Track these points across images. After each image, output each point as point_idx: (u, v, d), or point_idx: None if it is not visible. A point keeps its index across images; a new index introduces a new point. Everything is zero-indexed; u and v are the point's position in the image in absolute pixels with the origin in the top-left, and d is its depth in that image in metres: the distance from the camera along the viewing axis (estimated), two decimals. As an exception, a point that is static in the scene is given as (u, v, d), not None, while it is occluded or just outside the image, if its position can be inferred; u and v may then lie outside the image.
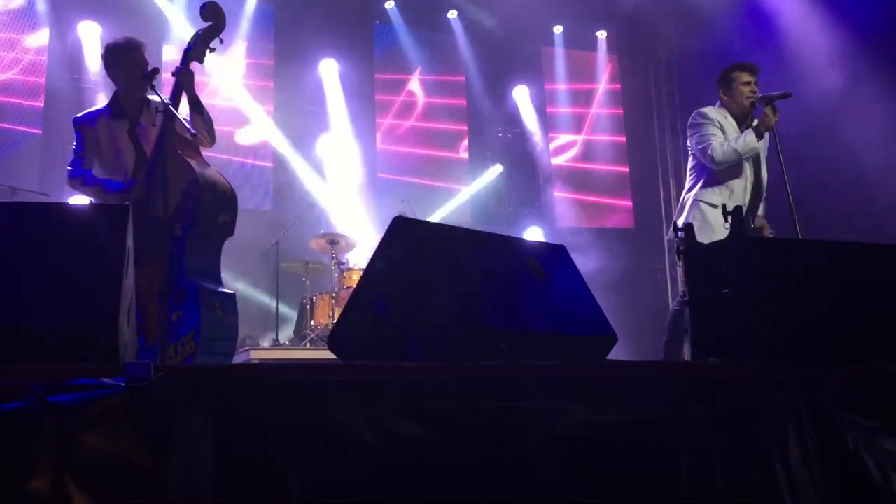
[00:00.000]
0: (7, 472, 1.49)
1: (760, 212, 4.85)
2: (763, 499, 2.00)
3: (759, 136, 4.62)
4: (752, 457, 2.04)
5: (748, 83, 4.79)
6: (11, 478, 1.48)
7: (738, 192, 4.69)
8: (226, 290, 3.72)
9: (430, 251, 2.46)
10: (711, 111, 4.86)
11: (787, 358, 2.33)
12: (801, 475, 2.04)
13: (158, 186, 3.66)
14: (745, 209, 4.53)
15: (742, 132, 4.72)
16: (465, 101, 10.57)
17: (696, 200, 4.80)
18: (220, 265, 3.88)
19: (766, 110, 4.61)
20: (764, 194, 4.85)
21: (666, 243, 10.56)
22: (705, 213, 4.67)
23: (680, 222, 4.78)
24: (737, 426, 2.07)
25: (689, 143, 4.94)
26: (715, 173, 4.76)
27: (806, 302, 2.52)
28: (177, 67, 3.88)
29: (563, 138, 10.86)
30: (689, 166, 5.02)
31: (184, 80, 3.85)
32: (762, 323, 2.48)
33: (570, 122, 10.92)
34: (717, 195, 4.70)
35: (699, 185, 4.83)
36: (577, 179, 10.75)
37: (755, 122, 4.76)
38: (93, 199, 3.95)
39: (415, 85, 10.40)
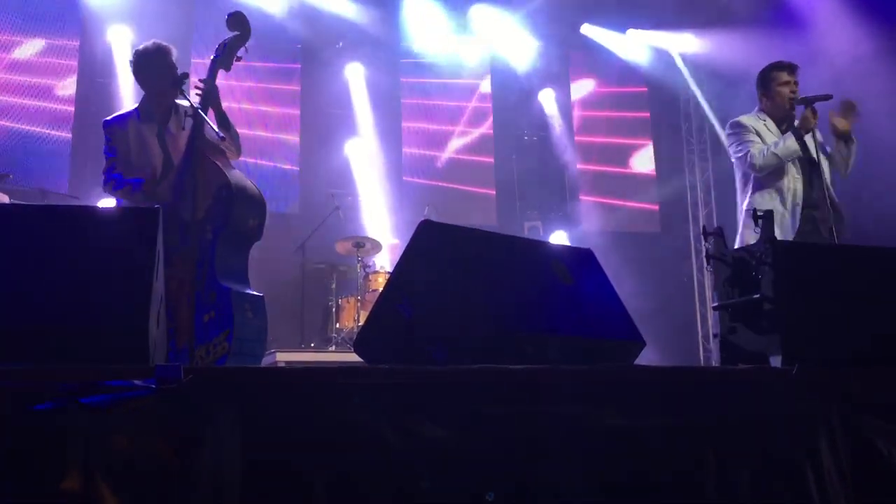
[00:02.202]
0: (40, 472, 1.51)
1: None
2: (793, 505, 1.98)
3: (799, 138, 4.52)
4: (782, 462, 2.02)
5: (787, 83, 4.67)
6: (44, 478, 1.50)
7: (788, 193, 4.58)
8: (255, 293, 3.75)
9: (457, 255, 2.46)
10: (745, 118, 4.76)
11: (818, 362, 2.30)
12: (832, 481, 2.01)
13: (188, 190, 3.70)
14: (799, 209, 4.49)
15: (783, 133, 4.63)
16: (490, 105, 10.56)
17: (747, 210, 4.69)
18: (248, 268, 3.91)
19: (806, 112, 4.50)
20: (829, 187, 4.64)
21: (693, 247, 10.48)
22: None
23: (738, 235, 4.68)
24: (766, 431, 2.05)
25: (731, 155, 4.84)
26: (760, 179, 4.67)
27: (837, 306, 2.49)
28: (203, 80, 3.92)
29: (589, 140, 10.80)
30: (737, 179, 4.91)
31: (208, 94, 3.89)
32: (792, 327, 2.46)
33: (596, 125, 10.88)
34: (766, 201, 4.58)
35: (749, 193, 4.73)
36: (603, 183, 10.70)
37: (796, 122, 4.67)
38: (125, 202, 3.99)
39: (440, 88, 10.40)
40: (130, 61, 4.18)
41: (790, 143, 4.50)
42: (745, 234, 4.60)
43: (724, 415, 2.04)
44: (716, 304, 2.81)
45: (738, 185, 4.88)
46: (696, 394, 2.08)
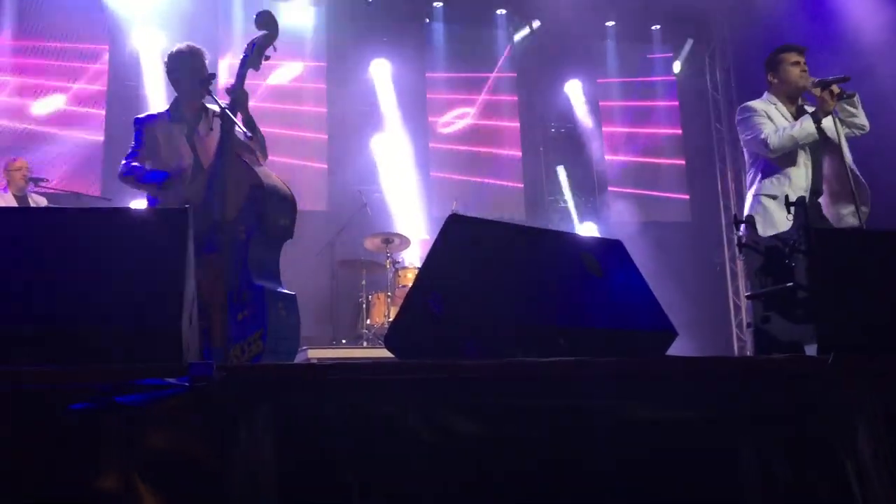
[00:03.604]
0: (77, 472, 1.53)
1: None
2: (831, 496, 1.95)
3: (818, 121, 4.49)
4: (820, 452, 1.99)
5: (797, 63, 4.68)
6: (81, 477, 1.52)
7: (798, 179, 4.55)
8: (288, 292, 3.78)
9: (486, 249, 2.45)
10: (755, 103, 4.77)
11: (854, 350, 2.26)
12: (871, 472, 1.98)
13: (220, 190, 3.73)
14: (808, 195, 4.42)
15: (793, 116, 4.61)
16: (516, 98, 10.53)
17: (755, 196, 4.69)
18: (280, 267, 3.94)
19: (824, 94, 4.46)
20: (844, 175, 4.59)
21: (725, 236, 10.38)
22: (766, 206, 4.56)
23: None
24: (803, 422, 2.02)
25: (742, 140, 4.84)
26: (770, 164, 4.63)
27: (872, 293, 2.45)
28: (231, 84, 3.94)
29: (616, 132, 10.74)
30: (746, 164, 4.92)
31: (237, 99, 3.92)
32: (827, 315, 2.42)
33: (624, 115, 10.80)
34: (775, 186, 4.58)
35: (757, 179, 4.72)
36: (632, 174, 10.62)
37: (805, 104, 4.64)
38: (151, 195, 4.02)
39: (466, 83, 10.39)
40: (164, 62, 4.22)
41: (807, 125, 4.46)
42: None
43: (761, 405, 2.02)
44: (749, 293, 2.77)
45: (747, 170, 4.89)
46: (731, 384, 2.05)
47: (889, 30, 7.58)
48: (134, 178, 3.99)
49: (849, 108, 4.56)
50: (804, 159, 4.56)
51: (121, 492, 1.52)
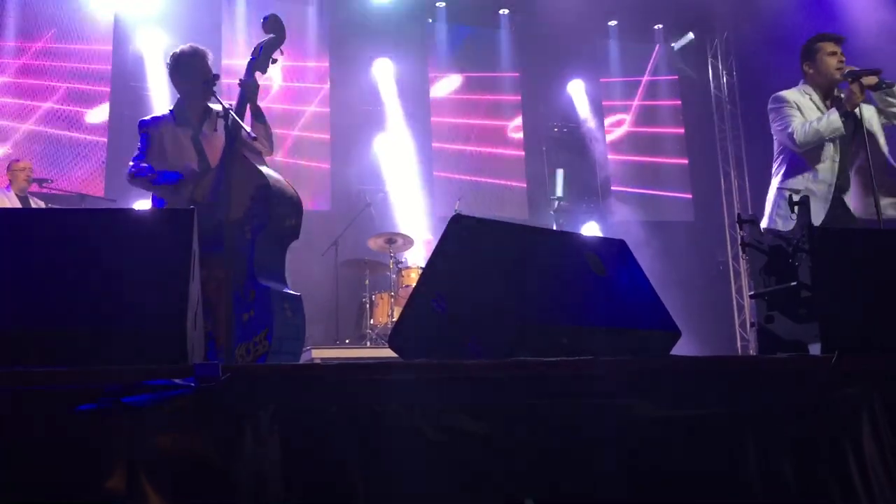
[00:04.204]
0: (85, 472, 1.54)
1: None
2: (835, 494, 1.95)
3: (844, 115, 4.35)
4: (824, 450, 1.99)
5: (834, 53, 4.51)
6: (89, 478, 1.53)
7: (824, 174, 4.44)
8: (293, 292, 3.79)
9: (490, 249, 2.45)
10: (788, 93, 4.61)
11: (857, 349, 2.26)
12: (875, 470, 1.98)
13: (226, 191, 3.73)
14: (832, 190, 4.38)
15: (826, 108, 4.49)
16: (519, 97, 10.53)
17: (779, 189, 4.57)
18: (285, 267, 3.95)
19: (853, 87, 4.30)
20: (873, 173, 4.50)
21: (728, 235, 10.37)
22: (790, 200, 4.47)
23: (766, 213, 4.58)
24: (806, 420, 2.02)
25: (772, 130, 4.73)
26: (797, 158, 4.51)
27: (876, 292, 2.45)
28: (243, 78, 3.96)
29: (619, 131, 10.74)
30: (774, 153, 4.80)
31: (250, 90, 3.93)
32: (831, 314, 2.42)
33: (626, 115, 10.80)
34: (800, 181, 4.47)
35: (782, 172, 4.59)
36: (634, 173, 10.62)
37: (841, 95, 4.50)
38: (157, 196, 4.03)
39: (469, 82, 10.40)
40: (167, 64, 4.23)
41: (834, 118, 4.34)
42: (773, 215, 4.51)
43: (765, 404, 2.02)
44: (752, 292, 2.77)
45: (775, 160, 4.75)
46: (734, 383, 2.06)
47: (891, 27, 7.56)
48: (146, 179, 4.00)
49: (889, 98, 4.42)
50: (832, 153, 4.44)
51: (127, 492, 1.53)
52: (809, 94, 4.57)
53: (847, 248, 2.58)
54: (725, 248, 10.37)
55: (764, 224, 4.48)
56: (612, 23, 10.61)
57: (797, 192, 4.34)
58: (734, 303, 10.18)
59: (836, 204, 4.41)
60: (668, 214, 10.53)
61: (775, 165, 4.71)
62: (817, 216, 4.26)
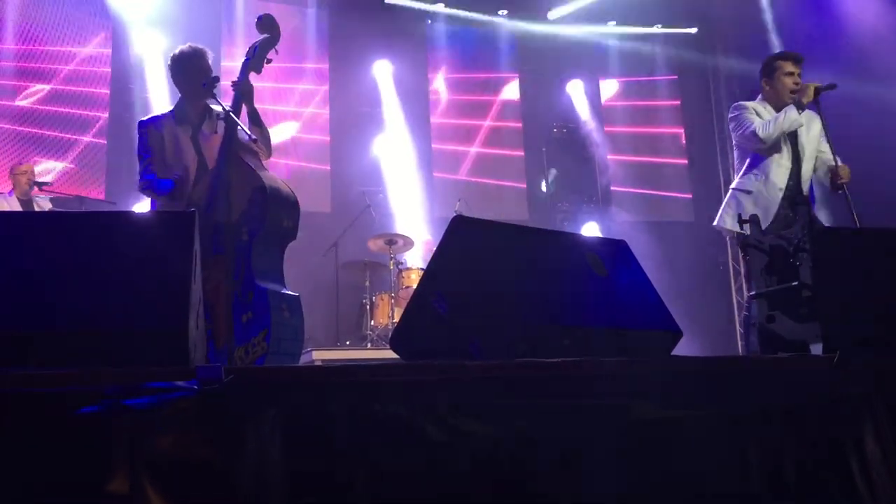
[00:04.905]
0: (86, 475, 1.54)
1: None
2: (837, 494, 1.95)
3: (801, 108, 4.60)
4: (826, 451, 1.99)
5: (791, 73, 4.75)
6: (90, 480, 1.53)
7: (776, 177, 4.65)
8: (291, 293, 3.79)
9: (490, 249, 2.46)
10: (748, 103, 4.90)
11: (859, 349, 2.26)
12: (877, 470, 1.98)
13: (223, 192, 3.74)
14: (783, 191, 4.61)
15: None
16: (519, 98, 10.53)
17: (732, 190, 4.89)
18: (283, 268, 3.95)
19: (807, 85, 4.59)
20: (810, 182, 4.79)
21: (728, 235, 10.36)
22: (740, 200, 4.69)
23: (718, 214, 4.86)
24: (808, 421, 2.02)
25: (734, 136, 4.95)
26: (752, 161, 4.78)
27: (877, 291, 2.45)
28: (236, 79, 3.97)
29: (618, 131, 10.73)
30: (735, 163, 5.06)
31: (244, 91, 3.94)
32: (832, 314, 2.42)
33: (625, 115, 10.79)
34: (751, 182, 4.74)
35: (739, 174, 4.90)
36: (634, 173, 10.61)
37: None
38: (161, 203, 4.04)
39: (468, 83, 10.40)
40: (167, 64, 4.24)
41: (791, 113, 4.59)
42: (723, 213, 4.81)
43: (766, 404, 2.02)
44: (753, 292, 2.78)
45: (736, 165, 5.04)
46: (736, 384, 2.06)
47: (888, 28, 7.57)
48: (153, 192, 4.03)
49: (820, 149, 4.79)
50: (783, 161, 4.70)
51: (129, 494, 1.53)
52: (765, 107, 4.84)
53: (848, 248, 2.59)
54: (725, 248, 10.37)
55: (715, 223, 4.87)
56: (612, 23, 10.60)
57: (748, 192, 4.60)
58: (735, 303, 10.18)
59: (787, 205, 4.63)
60: (668, 215, 10.52)
61: (737, 168, 4.98)
62: (767, 217, 4.46)
